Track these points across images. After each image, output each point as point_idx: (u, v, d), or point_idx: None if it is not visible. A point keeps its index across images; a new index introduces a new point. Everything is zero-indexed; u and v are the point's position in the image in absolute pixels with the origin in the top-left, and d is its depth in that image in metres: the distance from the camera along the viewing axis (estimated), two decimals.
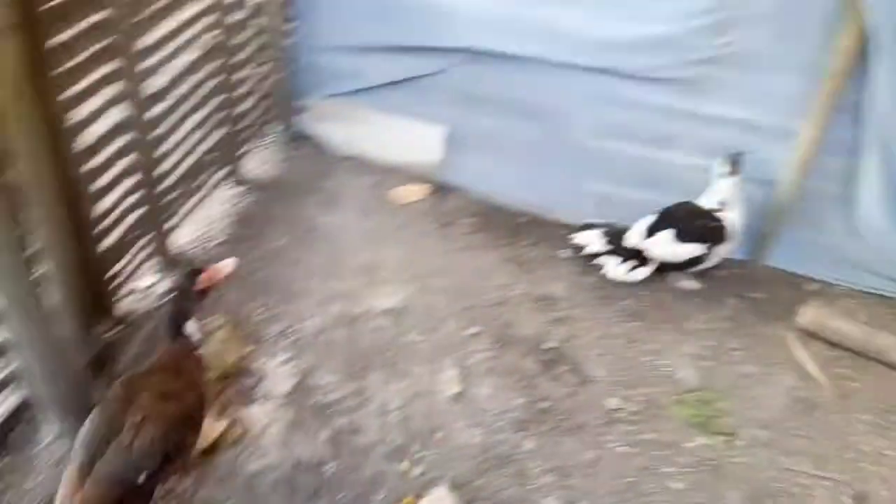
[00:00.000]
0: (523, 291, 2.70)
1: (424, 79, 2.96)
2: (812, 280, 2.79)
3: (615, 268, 2.65)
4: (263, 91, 3.14)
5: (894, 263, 2.64)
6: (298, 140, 3.34)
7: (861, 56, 2.26)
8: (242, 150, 3.11)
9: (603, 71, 2.63)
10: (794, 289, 2.76)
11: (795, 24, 2.31)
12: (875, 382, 2.41)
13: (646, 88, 2.63)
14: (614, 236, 2.70)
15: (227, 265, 1.99)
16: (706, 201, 2.59)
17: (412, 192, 3.13)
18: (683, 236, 2.55)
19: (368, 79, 3.05)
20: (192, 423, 1.82)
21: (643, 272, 2.66)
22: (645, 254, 2.64)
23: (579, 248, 2.76)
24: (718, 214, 2.56)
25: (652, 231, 2.62)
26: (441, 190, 3.14)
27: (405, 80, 2.99)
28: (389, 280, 2.71)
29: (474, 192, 3.13)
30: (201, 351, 1.96)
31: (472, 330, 2.54)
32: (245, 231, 2.89)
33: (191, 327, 1.93)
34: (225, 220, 2.94)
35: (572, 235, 2.78)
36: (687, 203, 2.62)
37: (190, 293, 1.92)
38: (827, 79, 2.33)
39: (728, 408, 2.31)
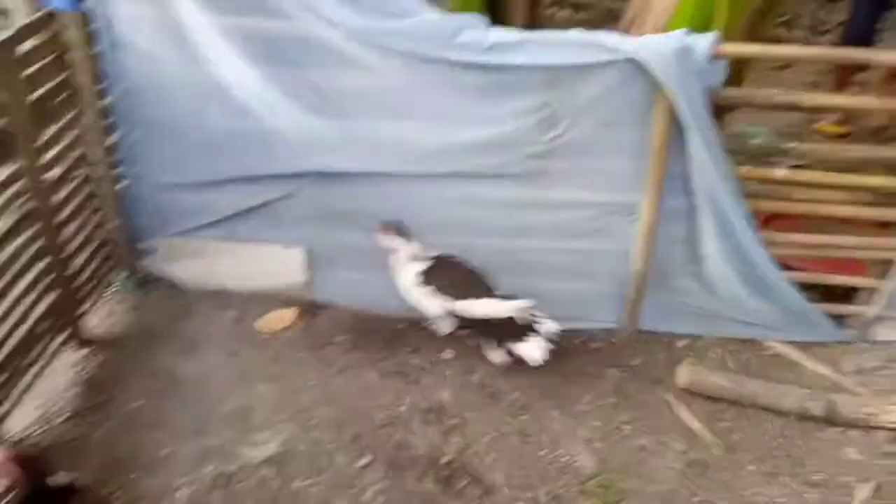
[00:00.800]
0: (411, 405, 2.60)
1: (274, 203, 2.87)
2: (681, 337, 2.90)
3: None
4: (99, 241, 2.90)
5: (745, 310, 2.82)
6: (147, 285, 3.10)
7: (677, 132, 2.44)
8: (83, 309, 2.84)
9: (449, 175, 2.67)
10: (667, 348, 2.86)
11: (614, 111, 2.47)
12: (754, 429, 2.51)
13: (492, 185, 2.69)
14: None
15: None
16: (416, 267, 2.67)
17: (279, 319, 2.98)
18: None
19: (216, 212, 2.91)
20: None
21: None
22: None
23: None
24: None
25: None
26: (310, 311, 3.01)
27: (255, 207, 2.88)
28: (266, 424, 2.52)
29: (345, 307, 3.02)
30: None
31: (364, 460, 2.40)
32: (95, 398, 2.60)
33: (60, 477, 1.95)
34: (70, 390, 2.63)
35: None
36: (434, 266, 2.67)
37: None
38: (651, 156, 2.50)
39: (630, 487, 2.30)
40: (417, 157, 2.67)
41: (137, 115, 2.74)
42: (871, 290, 2.78)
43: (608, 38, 2.37)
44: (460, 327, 2.76)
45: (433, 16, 2.40)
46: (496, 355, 2.67)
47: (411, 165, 2.68)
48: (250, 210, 2.90)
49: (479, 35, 2.38)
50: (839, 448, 2.43)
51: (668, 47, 2.31)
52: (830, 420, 2.49)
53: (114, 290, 3.07)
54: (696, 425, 2.50)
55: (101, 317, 2.96)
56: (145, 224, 3.01)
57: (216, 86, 2.62)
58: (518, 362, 2.62)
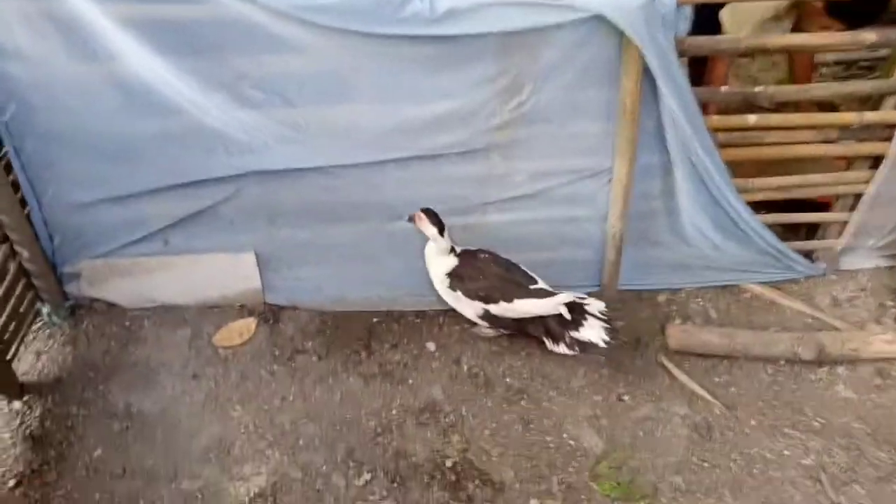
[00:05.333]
0: (402, 408, 2.44)
1: (213, 209, 2.55)
2: (660, 291, 2.84)
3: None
4: (13, 275, 2.53)
5: (720, 257, 2.77)
6: (80, 313, 2.75)
7: (648, 90, 2.29)
8: (9, 355, 2.48)
9: (407, 159, 2.44)
10: (650, 306, 2.80)
11: (579, 72, 2.28)
12: (749, 380, 2.50)
13: (456, 163, 2.48)
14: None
15: None
16: (444, 265, 2.55)
17: (238, 331, 2.71)
18: None
19: (145, 226, 2.58)
20: None
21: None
22: None
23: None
24: None
25: None
26: (270, 318, 2.76)
27: (190, 215, 2.56)
28: (249, 454, 2.31)
29: (310, 308, 2.79)
30: None
31: (363, 478, 2.24)
32: (45, 455, 2.31)
33: None
34: (11, 451, 2.32)
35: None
36: (461, 265, 2.53)
37: None
38: (622, 116, 2.34)
39: (640, 464, 2.25)
40: (371, 144, 2.41)
41: (28, 126, 2.33)
42: (839, 224, 2.79)
43: None
44: (501, 328, 2.57)
45: None
46: (562, 348, 2.48)
47: (366, 155, 2.42)
48: (185, 219, 2.58)
49: (427, 4, 2.10)
50: (831, 388, 2.46)
51: None
52: (820, 361, 2.51)
53: (40, 325, 2.71)
54: (693, 386, 2.47)
55: (31, 360, 2.61)
56: (64, 248, 2.64)
57: (123, 85, 2.25)
58: (583, 350, 2.45)
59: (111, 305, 2.78)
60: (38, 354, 2.63)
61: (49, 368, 2.59)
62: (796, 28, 3.03)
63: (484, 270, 2.47)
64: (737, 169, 2.57)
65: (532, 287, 2.46)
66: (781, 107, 2.74)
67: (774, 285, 2.85)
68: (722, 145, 2.48)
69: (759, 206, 2.70)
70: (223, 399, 2.47)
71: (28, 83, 2.24)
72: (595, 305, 2.45)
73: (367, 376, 2.55)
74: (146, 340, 2.68)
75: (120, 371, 2.57)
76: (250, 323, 2.74)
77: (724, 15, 2.71)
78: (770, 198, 2.69)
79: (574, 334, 2.44)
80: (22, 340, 2.61)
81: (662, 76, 2.24)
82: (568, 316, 2.41)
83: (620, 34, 2.17)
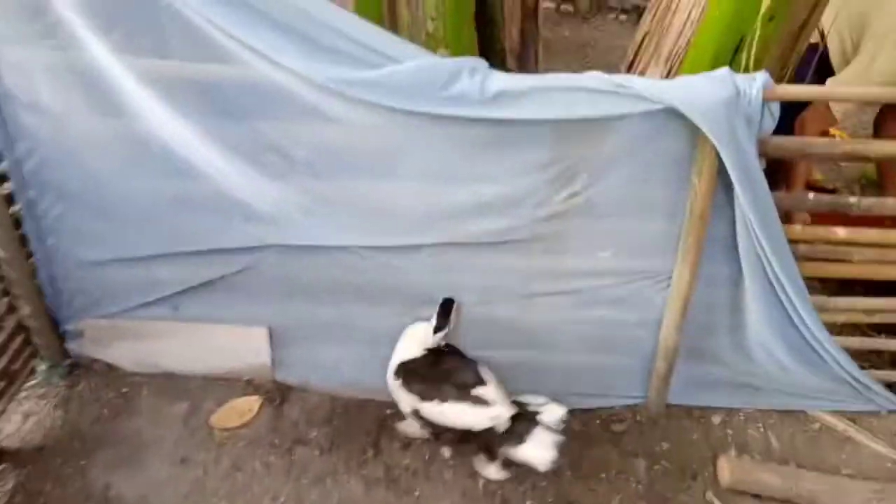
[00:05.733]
0: None
1: (229, 278, 2.35)
2: (715, 410, 2.51)
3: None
4: (12, 329, 2.36)
5: (788, 379, 2.43)
6: (77, 373, 2.56)
7: (721, 192, 2.02)
8: None
9: (446, 244, 2.20)
10: (701, 427, 2.46)
11: (642, 166, 2.03)
12: None
13: (496, 253, 2.23)
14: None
15: None
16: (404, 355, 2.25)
17: (240, 411, 2.47)
18: None
19: (156, 290, 2.39)
20: None
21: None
22: None
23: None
24: None
25: None
26: (276, 398, 2.51)
27: (204, 283, 2.36)
28: None
29: (320, 392, 2.53)
30: None
31: None
32: None
33: None
34: None
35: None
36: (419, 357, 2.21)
37: None
38: (689, 218, 2.07)
39: None
40: (402, 224, 2.18)
41: (44, 180, 2.19)
42: None
43: (637, 83, 1.90)
44: (435, 434, 2.21)
45: (419, 61, 1.89)
46: (491, 470, 2.17)
47: (396, 235, 2.20)
48: (198, 286, 2.38)
49: (477, 84, 1.88)
50: None
51: (716, 94, 1.87)
52: None
53: (35, 383, 2.53)
54: None
55: (18, 421, 2.41)
56: (69, 305, 2.47)
57: (143, 144, 2.09)
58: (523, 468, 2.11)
59: (111, 367, 2.58)
60: (27, 416, 2.44)
61: (34, 433, 2.38)
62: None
63: (435, 364, 2.15)
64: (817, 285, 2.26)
65: (473, 392, 2.06)
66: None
67: (849, 416, 2.49)
68: (802, 258, 2.17)
69: (836, 327, 2.37)
70: (209, 491, 2.21)
71: (47, 136, 2.12)
72: (551, 413, 2.06)
73: (371, 481, 2.26)
74: (140, 412, 2.46)
75: (106, 445, 2.35)
76: (253, 402, 2.50)
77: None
78: (853, 320, 2.36)
79: (511, 452, 2.05)
80: (12, 399, 2.42)
81: (740, 180, 1.96)
82: (501, 429, 2.03)
83: (694, 129, 1.92)
